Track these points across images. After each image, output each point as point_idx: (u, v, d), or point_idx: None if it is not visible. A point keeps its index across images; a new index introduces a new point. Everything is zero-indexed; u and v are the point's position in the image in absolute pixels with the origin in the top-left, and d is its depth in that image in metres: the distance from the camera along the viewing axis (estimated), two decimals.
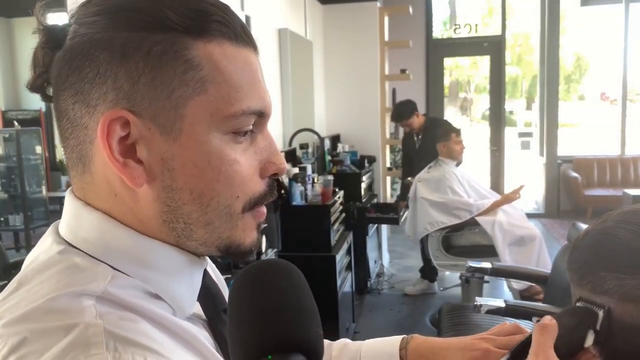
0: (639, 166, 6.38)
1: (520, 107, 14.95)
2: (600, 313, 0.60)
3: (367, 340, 0.79)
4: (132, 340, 0.44)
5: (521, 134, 7.42)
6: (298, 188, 3.14)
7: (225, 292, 0.64)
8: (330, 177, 3.39)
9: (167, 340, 0.48)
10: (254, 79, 0.51)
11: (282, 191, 3.14)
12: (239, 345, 0.45)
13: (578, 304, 0.63)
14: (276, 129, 3.53)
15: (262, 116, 0.52)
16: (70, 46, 0.48)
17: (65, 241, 0.51)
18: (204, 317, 0.57)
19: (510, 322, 2.35)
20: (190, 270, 0.54)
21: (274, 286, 0.46)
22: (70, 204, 0.52)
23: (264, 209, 0.54)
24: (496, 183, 6.50)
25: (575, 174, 6.36)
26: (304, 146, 3.71)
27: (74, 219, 0.52)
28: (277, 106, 3.53)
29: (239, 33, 0.50)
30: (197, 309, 0.57)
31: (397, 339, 0.76)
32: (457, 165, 3.84)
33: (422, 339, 0.75)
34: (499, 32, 6.73)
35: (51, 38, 0.50)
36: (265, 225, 2.20)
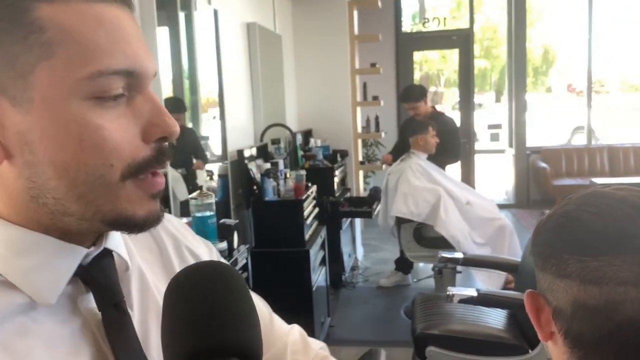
0: (605, 156, 6.54)
1: (489, 100, 15.19)
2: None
3: None
4: None
5: (490, 126, 7.52)
6: (270, 183, 3.12)
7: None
8: (303, 172, 3.38)
9: None
10: (115, 37, 0.47)
11: (255, 187, 3.12)
12: (171, 353, 0.44)
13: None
14: (247, 125, 3.50)
15: (132, 76, 0.48)
16: None
17: None
18: (96, 311, 0.52)
19: (482, 310, 2.35)
20: (56, 255, 0.49)
21: (207, 290, 0.45)
22: None
23: (157, 178, 0.50)
24: (467, 174, 6.58)
25: (544, 164, 6.49)
26: (275, 141, 3.69)
27: None
28: (247, 101, 3.50)
29: None
30: (91, 302, 0.52)
31: None
32: (443, 165, 3.90)
33: None
34: (467, 25, 6.80)
35: None
36: (237, 221, 2.18)
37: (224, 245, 1.97)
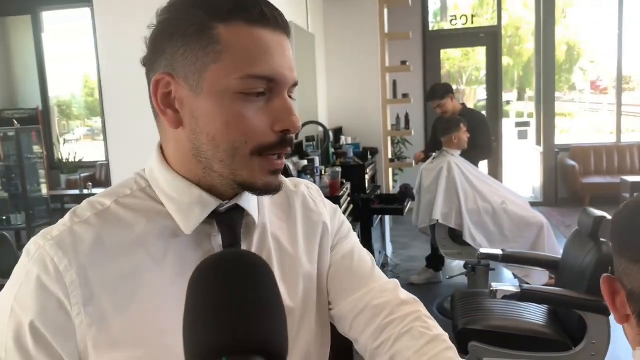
0: (635, 153, 6.45)
1: (512, 98, 15.03)
2: None
3: None
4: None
5: (518, 124, 7.47)
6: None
7: (299, 239, 0.80)
8: (338, 169, 3.41)
9: (129, 249, 0.68)
10: (265, 52, 0.65)
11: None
12: (192, 343, 0.44)
13: None
14: None
15: (272, 81, 0.65)
16: (152, 33, 0.69)
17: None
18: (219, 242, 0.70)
19: (522, 306, 2.36)
20: (198, 201, 0.69)
21: (233, 281, 0.46)
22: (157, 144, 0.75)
23: (277, 160, 0.68)
24: (494, 173, 6.55)
25: (572, 162, 6.43)
26: (310, 139, 3.72)
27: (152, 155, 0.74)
28: None
29: (255, 16, 0.64)
30: (220, 239, 0.70)
31: None
32: (476, 162, 3.89)
33: None
34: (494, 22, 6.76)
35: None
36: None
37: None
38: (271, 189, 0.69)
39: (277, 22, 0.66)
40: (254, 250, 0.74)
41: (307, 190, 0.86)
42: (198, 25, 0.64)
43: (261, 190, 0.68)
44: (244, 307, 0.44)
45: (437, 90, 4.24)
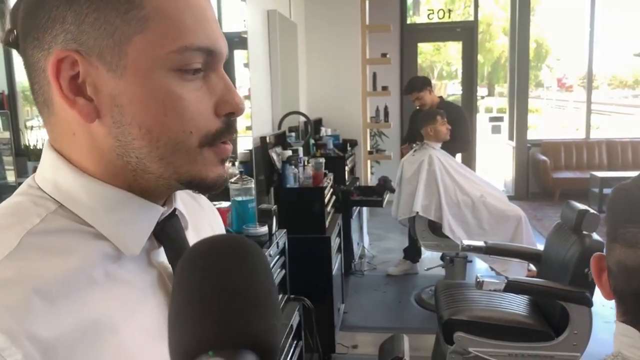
0: (603, 149, 6.65)
1: (482, 93, 15.28)
2: None
3: None
4: None
5: (492, 119, 7.61)
6: (291, 171, 3.14)
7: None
8: (322, 160, 3.40)
9: (73, 283, 0.49)
10: (199, 16, 0.52)
11: (275, 174, 3.14)
12: (177, 336, 0.39)
13: None
14: (265, 112, 3.51)
15: (211, 54, 0.53)
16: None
17: (34, 179, 0.56)
18: (168, 265, 0.58)
19: (505, 297, 2.41)
20: (139, 212, 0.55)
21: (222, 268, 0.41)
22: (44, 147, 0.56)
23: (227, 146, 0.56)
24: (468, 167, 6.64)
25: (543, 157, 6.58)
26: (292, 129, 3.70)
27: (42, 159, 0.56)
28: (266, 88, 3.50)
29: None
30: (164, 257, 0.58)
31: None
32: (453, 152, 3.93)
33: None
34: (470, 17, 6.84)
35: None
36: (275, 206, 2.20)
37: (264, 229, 1.99)
38: (221, 182, 0.57)
39: None
40: None
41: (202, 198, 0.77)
42: None
43: (212, 186, 0.56)
44: (235, 299, 0.39)
45: (415, 82, 4.27)
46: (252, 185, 2.07)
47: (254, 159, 2.95)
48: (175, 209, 0.60)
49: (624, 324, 0.69)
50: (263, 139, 3.08)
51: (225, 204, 2.05)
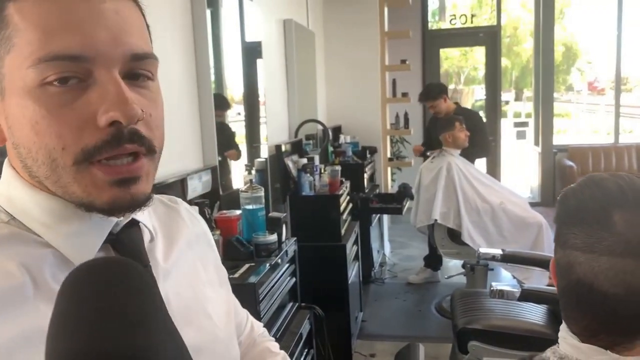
0: (633, 154, 6.47)
1: (509, 98, 15.05)
2: None
3: None
4: None
5: (516, 124, 7.48)
6: (307, 179, 3.15)
7: (185, 249, 0.67)
8: (338, 168, 3.40)
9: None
10: (68, 21, 0.47)
11: (291, 182, 3.15)
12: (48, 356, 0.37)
13: None
14: (282, 120, 3.54)
15: (84, 60, 0.48)
16: None
17: None
18: None
19: (522, 306, 2.36)
20: (88, 223, 0.54)
21: (100, 291, 0.39)
22: (4, 165, 0.56)
23: (122, 165, 0.51)
24: (492, 173, 6.55)
25: (570, 163, 6.44)
26: (309, 137, 3.72)
27: (1, 176, 0.57)
28: (282, 97, 3.53)
29: None
30: None
31: None
32: (472, 159, 3.89)
33: None
34: (493, 22, 6.76)
35: None
36: (285, 214, 2.21)
37: (274, 237, 2.00)
38: (120, 206, 0.51)
39: None
40: (161, 272, 0.61)
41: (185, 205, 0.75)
42: None
43: (107, 210, 0.52)
44: (111, 318, 0.38)
45: (430, 90, 4.23)
46: (262, 193, 2.09)
47: (269, 167, 2.97)
48: (135, 220, 0.59)
49: (563, 322, 0.73)
50: (278, 147, 3.11)
51: (236, 212, 2.07)
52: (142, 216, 0.61)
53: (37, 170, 0.51)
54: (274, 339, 0.91)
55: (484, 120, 4.78)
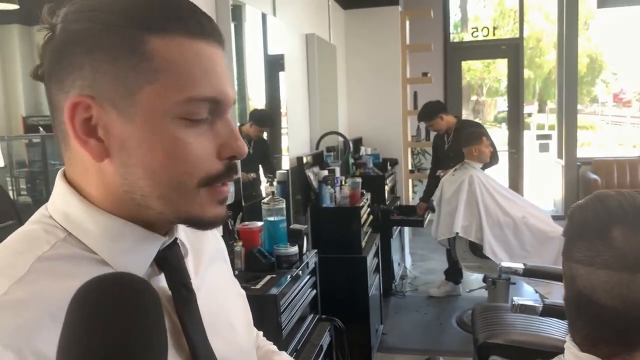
0: None
1: (532, 110, 14.92)
2: None
3: None
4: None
5: (539, 137, 7.41)
6: (328, 190, 3.17)
7: (208, 265, 0.72)
8: (359, 180, 3.42)
9: None
10: (208, 70, 0.57)
11: (312, 193, 3.18)
12: None
13: None
14: (304, 133, 3.57)
15: (217, 103, 0.57)
16: (56, 41, 0.57)
17: (46, 208, 0.61)
18: (168, 290, 0.61)
19: (543, 321, 2.33)
20: (141, 242, 0.59)
21: (111, 319, 0.41)
22: (57, 178, 0.62)
23: (225, 188, 0.60)
24: (515, 186, 6.49)
25: (595, 176, 6.34)
26: (330, 149, 3.74)
27: (55, 189, 0.61)
28: (304, 110, 3.57)
29: (196, 28, 0.56)
30: (164, 282, 0.61)
31: None
32: (483, 167, 3.85)
33: None
34: (515, 34, 6.74)
35: (52, 35, 0.58)
36: (306, 226, 2.23)
37: (295, 249, 2.03)
38: (219, 221, 0.61)
39: (215, 34, 0.59)
40: (197, 279, 0.67)
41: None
42: (126, 39, 0.54)
43: (208, 224, 0.60)
44: (121, 352, 0.40)
45: (426, 111, 4.20)
46: (283, 205, 2.12)
47: (290, 179, 3.00)
48: (176, 238, 0.64)
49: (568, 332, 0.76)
50: (300, 159, 3.14)
51: (258, 224, 2.10)
52: (181, 232, 0.66)
53: (150, 190, 0.57)
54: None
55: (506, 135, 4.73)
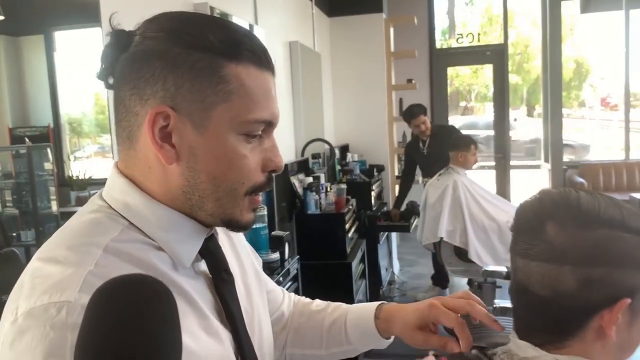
0: None
1: (520, 115, 15.04)
2: None
3: (354, 305, 0.97)
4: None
5: (526, 142, 7.47)
6: (313, 197, 3.19)
7: (243, 259, 0.83)
8: (344, 186, 3.44)
9: None
10: (268, 96, 0.66)
11: (297, 200, 3.19)
12: None
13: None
14: (288, 140, 3.59)
15: (270, 125, 0.67)
16: (134, 52, 0.64)
17: (103, 199, 0.68)
18: (209, 274, 0.71)
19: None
20: (192, 233, 0.68)
21: (129, 317, 0.44)
22: (112, 172, 0.69)
23: (259, 197, 0.70)
24: (502, 190, 6.54)
25: (581, 179, 6.40)
26: (316, 156, 3.76)
27: (111, 182, 0.68)
28: (288, 117, 3.59)
29: (262, 60, 0.65)
30: (204, 267, 0.71)
31: (375, 304, 0.93)
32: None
33: (394, 304, 0.93)
34: (500, 40, 6.81)
35: (118, 41, 0.65)
36: (288, 233, 2.24)
37: (276, 256, 2.04)
38: (251, 225, 0.71)
39: (271, 65, 0.68)
40: (231, 263, 0.76)
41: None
42: (208, 61, 0.62)
43: (243, 227, 0.70)
44: (142, 349, 0.43)
45: (414, 109, 4.28)
46: (265, 212, 2.13)
47: (275, 186, 3.01)
48: (215, 229, 0.74)
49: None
50: (285, 166, 3.15)
51: (232, 230, 2.11)
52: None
53: (209, 193, 0.65)
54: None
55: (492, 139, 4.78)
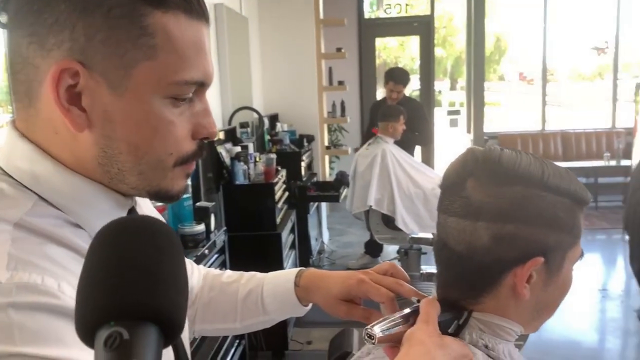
0: (558, 140, 6.80)
1: (444, 87, 15.49)
2: (465, 313, 0.72)
3: (270, 273, 0.90)
4: (34, 263, 0.49)
5: (449, 112, 7.70)
6: (241, 167, 3.10)
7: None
8: (273, 156, 3.37)
9: (76, 265, 0.50)
10: (200, 51, 0.57)
11: (224, 171, 3.09)
12: (81, 309, 0.39)
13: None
14: (215, 108, 3.45)
15: (202, 85, 0.58)
16: None
17: (1, 169, 0.57)
18: None
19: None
20: (111, 206, 0.60)
21: (129, 245, 0.41)
22: (9, 133, 0.58)
23: (193, 163, 0.62)
24: (427, 159, 6.70)
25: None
26: (244, 125, 3.65)
27: (9, 147, 0.57)
28: (215, 84, 3.45)
29: (194, 6, 0.55)
30: None
31: (294, 271, 0.87)
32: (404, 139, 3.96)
33: (314, 270, 0.87)
34: (427, 12, 6.89)
35: None
36: (214, 204, 2.16)
37: (201, 227, 1.95)
38: (182, 194, 0.64)
39: (205, 12, 0.58)
40: None
41: None
42: (128, 8, 0.51)
43: (174, 197, 0.62)
44: (139, 273, 0.40)
45: (404, 75, 4.37)
46: (189, 182, 2.03)
47: None
48: (135, 199, 0.66)
49: None
50: None
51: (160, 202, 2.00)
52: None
53: (130, 165, 0.57)
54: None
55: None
